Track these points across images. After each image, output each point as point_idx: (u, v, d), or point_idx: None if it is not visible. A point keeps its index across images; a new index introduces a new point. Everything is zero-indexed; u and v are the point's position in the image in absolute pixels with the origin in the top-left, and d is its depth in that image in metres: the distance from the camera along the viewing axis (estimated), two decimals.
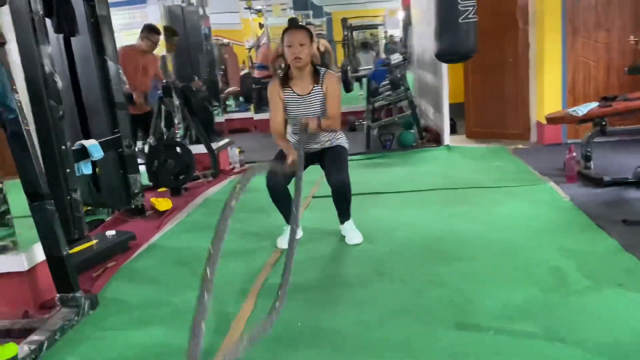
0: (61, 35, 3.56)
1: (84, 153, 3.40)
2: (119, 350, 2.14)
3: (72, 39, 3.69)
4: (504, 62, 5.61)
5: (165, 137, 4.83)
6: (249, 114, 8.95)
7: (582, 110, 3.81)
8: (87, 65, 3.85)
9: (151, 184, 4.71)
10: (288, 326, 2.16)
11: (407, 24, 8.45)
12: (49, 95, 3.06)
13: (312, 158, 3.12)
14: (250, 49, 11.94)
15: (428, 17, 6.09)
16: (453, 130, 5.89)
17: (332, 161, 3.02)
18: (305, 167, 3.00)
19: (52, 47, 3.10)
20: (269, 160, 3.10)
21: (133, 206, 4.06)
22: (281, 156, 3.08)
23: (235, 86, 9.99)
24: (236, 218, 3.75)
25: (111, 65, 3.91)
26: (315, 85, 2.99)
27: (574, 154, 3.88)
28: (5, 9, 2.73)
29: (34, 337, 2.19)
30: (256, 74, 9.03)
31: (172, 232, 3.70)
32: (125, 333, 2.28)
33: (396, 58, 5.99)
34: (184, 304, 2.47)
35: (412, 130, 5.94)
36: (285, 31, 2.94)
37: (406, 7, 9.86)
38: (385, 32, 16.78)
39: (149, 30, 5.04)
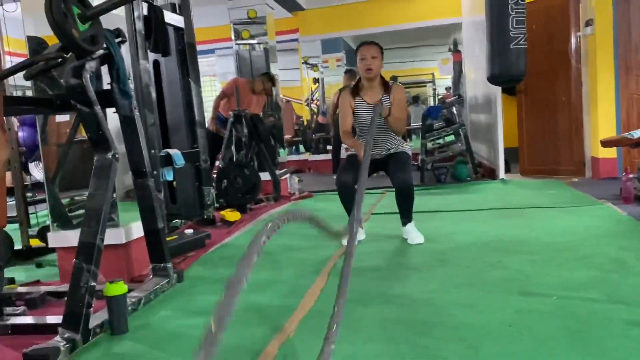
0: (151, 58, 4.03)
1: (168, 160, 3.78)
2: (205, 306, 2.37)
3: (161, 62, 4.17)
4: (558, 101, 5.80)
5: (234, 159, 5.20)
6: (304, 156, 9.39)
7: (637, 133, 3.93)
8: (172, 85, 4.33)
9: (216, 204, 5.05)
10: (360, 293, 2.34)
11: (459, 71, 8.81)
12: (144, 104, 3.49)
13: (377, 164, 3.36)
14: (308, 104, 12.55)
15: (480, 64, 6.42)
16: (507, 170, 6.03)
17: (396, 164, 3.25)
18: (371, 174, 3.25)
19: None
20: (312, 217, 3.35)
21: (205, 217, 4.41)
22: (348, 163, 3.33)
23: (290, 135, 10.62)
24: (298, 227, 4.02)
25: (194, 87, 4.36)
26: (384, 95, 3.28)
27: (631, 175, 3.97)
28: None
29: (134, 294, 2.45)
30: (320, 119, 9.72)
31: (241, 236, 3.98)
32: (210, 297, 2.52)
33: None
34: (256, 280, 2.70)
35: (466, 165, 6.11)
36: (359, 46, 3.28)
37: (457, 61, 10.28)
38: (434, 89, 17.21)
39: (268, 78, 5.70)
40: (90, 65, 2.36)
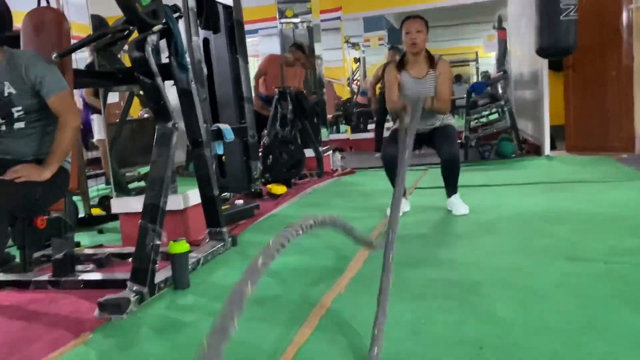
0: (201, 36, 4.15)
1: (218, 134, 3.91)
2: None
3: (210, 39, 4.29)
4: (607, 76, 5.65)
5: (279, 135, 5.32)
6: (345, 135, 9.44)
7: None
8: (221, 62, 4.44)
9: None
10: (406, 257, 2.42)
11: (504, 49, 8.65)
12: (196, 79, 3.62)
13: (423, 139, 3.40)
14: (349, 84, 12.54)
15: (526, 40, 6.30)
16: (552, 148, 5.95)
17: (442, 137, 3.29)
18: (415, 149, 3.29)
19: None
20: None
21: (253, 190, 4.55)
22: (394, 136, 3.38)
23: (331, 114, 10.69)
24: (343, 200, 4.11)
25: (242, 64, 4.47)
26: (430, 70, 3.31)
27: None
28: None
29: (192, 255, 2.60)
30: (359, 99, 9.72)
31: (288, 207, 4.11)
32: None
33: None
34: (303, 245, 2.82)
35: (510, 141, 6.06)
36: (404, 20, 3.31)
37: (502, 38, 10.07)
38: (477, 68, 16.89)
39: (297, 47, 5.79)
40: (152, 38, 2.49)
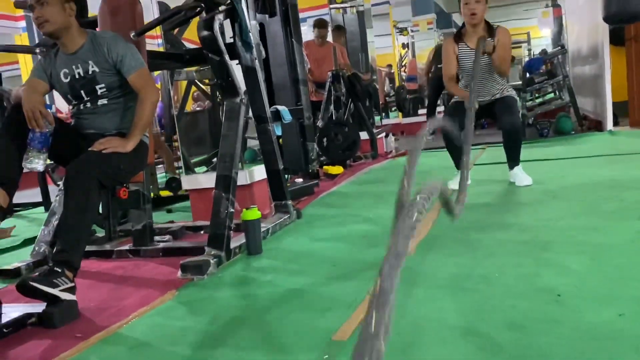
0: (255, 21, 4.25)
1: (276, 116, 4.01)
2: (328, 236, 2.58)
3: (265, 23, 4.39)
4: None
5: (334, 117, 5.38)
6: (397, 120, 9.42)
7: None
8: (276, 46, 4.54)
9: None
10: (473, 222, 2.44)
11: (559, 25, 8.40)
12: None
13: (483, 110, 3.38)
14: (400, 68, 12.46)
15: (584, 14, 6.09)
16: (615, 124, 5.74)
17: (503, 108, 3.26)
18: (477, 120, 3.27)
19: None
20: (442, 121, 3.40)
21: (310, 171, 4.63)
22: (455, 107, 3.38)
23: (382, 102, 10.69)
24: (398, 181, 4.13)
25: (297, 47, 4.55)
26: (488, 38, 3.28)
27: None
28: None
29: (262, 225, 2.70)
30: (408, 86, 9.69)
31: (345, 185, 4.18)
32: (332, 228, 2.73)
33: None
34: (368, 216, 2.90)
35: (569, 118, 5.90)
36: None
37: (557, 16, 9.78)
38: (530, 49, 16.43)
39: (315, 25, 5.80)
40: (219, 18, 2.60)
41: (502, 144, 3.31)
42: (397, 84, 10.92)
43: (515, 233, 2.24)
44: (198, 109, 6.24)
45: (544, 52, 6.25)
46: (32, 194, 4.80)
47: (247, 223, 2.35)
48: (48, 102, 2.18)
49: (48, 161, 2.19)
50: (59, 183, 5.76)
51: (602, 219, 2.30)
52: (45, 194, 4.51)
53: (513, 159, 3.33)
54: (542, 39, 17.94)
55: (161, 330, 1.62)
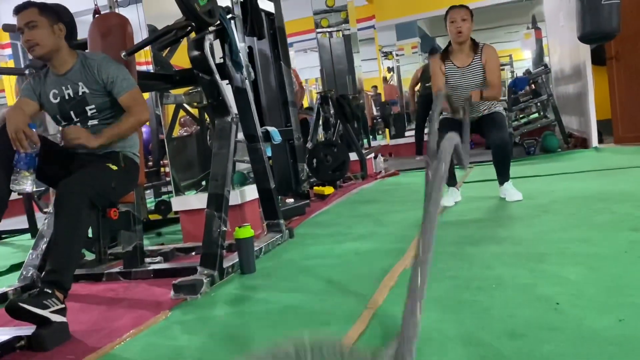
0: (244, 43, 4.29)
1: (266, 137, 4.01)
2: (321, 253, 2.56)
3: (254, 46, 4.43)
4: None
5: (323, 139, 5.40)
6: (384, 142, 9.49)
7: None
8: (265, 68, 4.58)
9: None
10: (466, 237, 2.44)
11: (540, 47, 8.58)
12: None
13: (472, 126, 3.39)
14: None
15: (565, 34, 6.23)
16: (600, 142, 5.82)
17: (491, 124, 3.30)
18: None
19: None
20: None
21: (300, 191, 4.63)
22: (445, 124, 3.41)
23: (369, 125, 10.82)
24: (392, 197, 4.14)
25: (285, 69, 4.60)
26: (474, 57, 3.33)
27: None
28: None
29: (255, 244, 2.68)
30: (394, 109, 9.85)
31: (337, 205, 4.17)
32: (325, 246, 2.71)
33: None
34: (362, 233, 2.87)
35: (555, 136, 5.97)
36: (448, 10, 3.35)
37: (538, 37, 10.00)
38: (512, 71, 16.70)
39: None
40: (209, 37, 2.61)
41: (489, 163, 3.34)
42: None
43: (509, 246, 2.24)
44: (185, 134, 6.24)
45: (528, 71, 6.34)
46: (17, 222, 4.73)
47: (240, 241, 2.32)
48: (34, 122, 2.13)
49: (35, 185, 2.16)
50: (45, 210, 5.69)
51: (594, 230, 2.31)
52: (31, 220, 4.44)
53: (503, 175, 3.35)
54: (523, 61, 18.28)
55: (156, 350, 1.58)
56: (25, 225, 4.49)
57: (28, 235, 4.45)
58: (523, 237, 2.36)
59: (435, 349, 1.31)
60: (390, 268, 2.06)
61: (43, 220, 2.67)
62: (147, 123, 3.39)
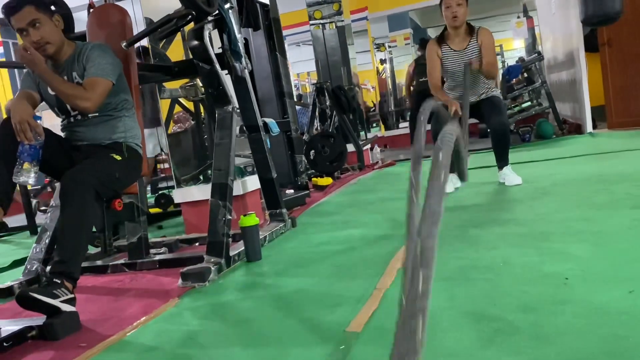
0: (240, 34, 4.27)
1: (264, 128, 4.01)
2: (325, 241, 2.57)
3: (249, 39, 4.42)
4: None
5: (319, 130, 5.41)
6: (379, 134, 9.50)
7: None
8: (261, 60, 4.57)
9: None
10: (469, 221, 2.46)
11: (532, 36, 8.62)
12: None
13: (470, 110, 3.41)
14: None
15: (557, 23, 6.26)
16: (594, 127, 5.86)
17: (490, 108, 3.31)
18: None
19: None
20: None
21: (299, 183, 4.63)
22: (438, 116, 3.41)
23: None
24: (390, 186, 4.13)
25: (281, 60, 4.59)
26: (470, 40, 3.34)
27: None
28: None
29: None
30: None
31: (336, 195, 4.17)
32: (329, 233, 2.72)
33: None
34: (363, 221, 2.89)
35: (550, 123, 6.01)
36: None
37: (530, 27, 10.03)
38: (503, 61, 16.75)
39: None
40: (208, 27, 2.60)
41: (485, 151, 3.36)
42: (377, 98, 11.05)
43: (513, 227, 2.26)
44: (179, 130, 6.23)
45: (521, 59, 6.37)
46: (16, 220, 4.71)
47: (246, 229, 2.33)
48: (38, 114, 2.12)
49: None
50: (42, 208, 5.66)
51: (596, 210, 2.34)
52: (30, 217, 4.42)
53: (502, 159, 3.36)
54: (514, 51, 18.34)
55: (169, 335, 1.58)
56: (23, 225, 4.47)
57: (27, 233, 4.43)
58: (526, 218, 2.38)
59: (449, 325, 1.33)
60: (396, 251, 2.07)
61: (45, 215, 2.66)
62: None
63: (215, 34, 2.78)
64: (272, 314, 1.64)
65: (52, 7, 2.19)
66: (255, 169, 3.21)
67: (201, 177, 4.50)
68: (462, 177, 1.67)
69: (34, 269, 2.48)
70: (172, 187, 4.69)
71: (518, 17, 10.87)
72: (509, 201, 2.88)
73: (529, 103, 7.18)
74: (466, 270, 1.74)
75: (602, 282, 1.48)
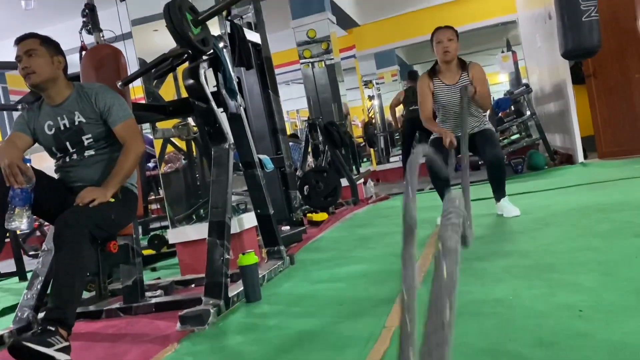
0: (234, 73, 4.30)
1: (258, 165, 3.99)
2: (326, 278, 2.51)
3: (241, 77, 4.44)
4: (632, 79, 5.68)
5: (314, 165, 5.40)
6: (371, 168, 9.53)
7: None
8: (254, 97, 4.59)
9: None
10: (472, 253, 2.42)
11: (517, 70, 8.80)
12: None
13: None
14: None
15: (543, 56, 6.40)
16: (584, 157, 5.91)
17: (484, 140, 3.31)
18: (457, 155, 3.31)
19: None
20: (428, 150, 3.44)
21: (294, 219, 4.58)
22: (434, 144, 3.42)
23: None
24: (387, 220, 4.10)
25: (273, 97, 4.61)
26: (462, 74, 3.37)
27: None
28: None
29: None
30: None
31: (333, 230, 4.12)
32: (329, 270, 2.66)
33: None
34: (362, 256, 2.86)
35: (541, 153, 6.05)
36: (434, 31, 3.40)
37: (514, 60, 10.25)
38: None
39: None
40: (203, 66, 2.60)
41: (480, 183, 3.35)
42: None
43: (517, 259, 2.22)
44: (169, 170, 6.19)
45: (510, 92, 6.46)
46: (3, 266, 4.60)
47: (245, 268, 2.27)
48: (28, 157, 2.11)
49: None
50: (30, 253, 5.54)
51: (599, 239, 2.32)
52: (19, 262, 4.31)
53: (499, 191, 3.35)
54: (499, 84, 18.72)
55: None
56: (13, 269, 4.35)
57: (15, 279, 4.31)
58: (529, 250, 2.35)
59: None
60: (400, 287, 2.01)
61: (37, 260, 2.59)
62: None
63: (209, 72, 2.78)
64: (277, 357, 1.57)
65: (58, 48, 2.20)
66: (248, 206, 3.18)
67: (194, 217, 4.45)
68: (464, 242, 1.60)
69: (25, 316, 2.39)
70: (165, 228, 4.65)
71: (502, 52, 11.13)
72: (510, 233, 2.85)
73: (517, 135, 7.27)
74: (476, 305, 1.70)
75: (616, 313, 1.44)
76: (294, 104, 16.00)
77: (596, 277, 1.78)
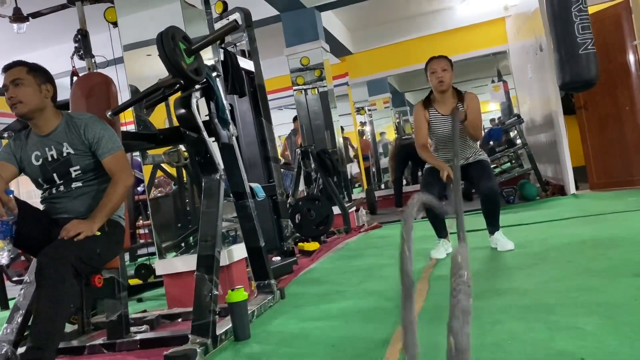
0: (226, 101, 4.27)
1: (250, 193, 3.94)
2: (322, 312, 2.44)
3: (234, 104, 4.42)
4: (622, 111, 5.73)
5: (306, 193, 5.35)
6: (362, 195, 9.49)
7: None
8: (246, 125, 4.56)
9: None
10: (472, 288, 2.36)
11: (508, 99, 8.86)
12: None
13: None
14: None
15: (534, 86, 6.46)
16: (575, 188, 5.91)
17: (479, 172, 3.29)
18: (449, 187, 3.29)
19: None
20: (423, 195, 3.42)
21: (285, 248, 4.51)
22: (431, 174, 3.39)
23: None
24: (379, 250, 4.04)
25: (266, 125, 4.58)
26: (458, 104, 3.36)
27: None
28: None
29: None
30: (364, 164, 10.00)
31: (325, 261, 4.06)
32: (321, 306, 2.59)
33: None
34: (355, 291, 2.79)
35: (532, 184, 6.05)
36: (428, 61, 3.40)
37: (505, 90, 10.35)
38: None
39: None
40: (196, 95, 2.57)
41: (474, 213, 3.31)
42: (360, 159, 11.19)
43: (514, 298, 2.17)
44: (159, 195, 6.12)
45: (502, 122, 6.49)
46: None
47: (234, 305, 2.19)
48: (12, 188, 2.05)
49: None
50: (14, 279, 5.39)
51: (597, 278, 2.27)
52: (1, 289, 4.18)
53: (493, 224, 3.32)
54: (488, 113, 18.91)
55: None
56: None
57: None
58: (526, 288, 2.30)
59: None
60: (396, 326, 1.96)
61: (18, 291, 2.49)
62: None
63: (201, 101, 2.75)
64: None
65: (47, 76, 2.16)
66: (238, 233, 3.11)
67: (183, 245, 4.36)
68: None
69: (3, 352, 2.28)
70: (153, 254, 4.55)
71: (493, 82, 11.24)
72: (505, 268, 2.80)
73: (508, 164, 7.29)
74: (473, 350, 1.62)
75: None
76: (286, 129, 16.01)
77: (596, 320, 1.73)
